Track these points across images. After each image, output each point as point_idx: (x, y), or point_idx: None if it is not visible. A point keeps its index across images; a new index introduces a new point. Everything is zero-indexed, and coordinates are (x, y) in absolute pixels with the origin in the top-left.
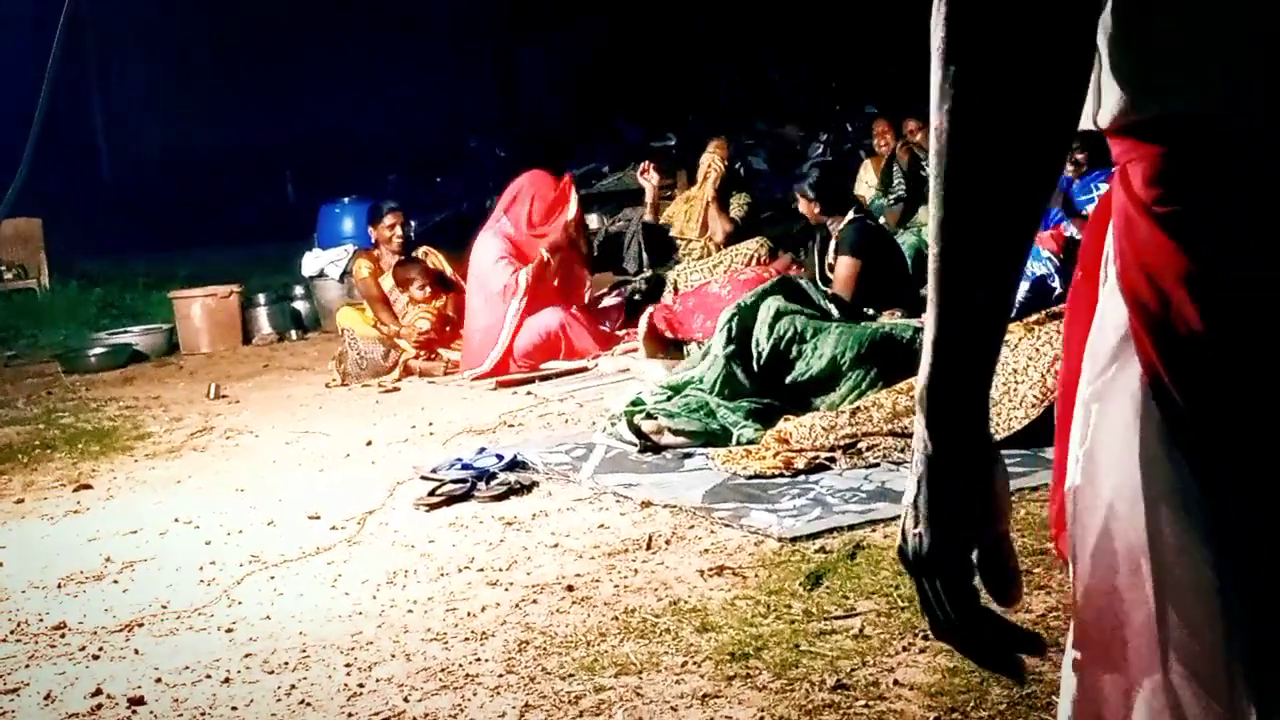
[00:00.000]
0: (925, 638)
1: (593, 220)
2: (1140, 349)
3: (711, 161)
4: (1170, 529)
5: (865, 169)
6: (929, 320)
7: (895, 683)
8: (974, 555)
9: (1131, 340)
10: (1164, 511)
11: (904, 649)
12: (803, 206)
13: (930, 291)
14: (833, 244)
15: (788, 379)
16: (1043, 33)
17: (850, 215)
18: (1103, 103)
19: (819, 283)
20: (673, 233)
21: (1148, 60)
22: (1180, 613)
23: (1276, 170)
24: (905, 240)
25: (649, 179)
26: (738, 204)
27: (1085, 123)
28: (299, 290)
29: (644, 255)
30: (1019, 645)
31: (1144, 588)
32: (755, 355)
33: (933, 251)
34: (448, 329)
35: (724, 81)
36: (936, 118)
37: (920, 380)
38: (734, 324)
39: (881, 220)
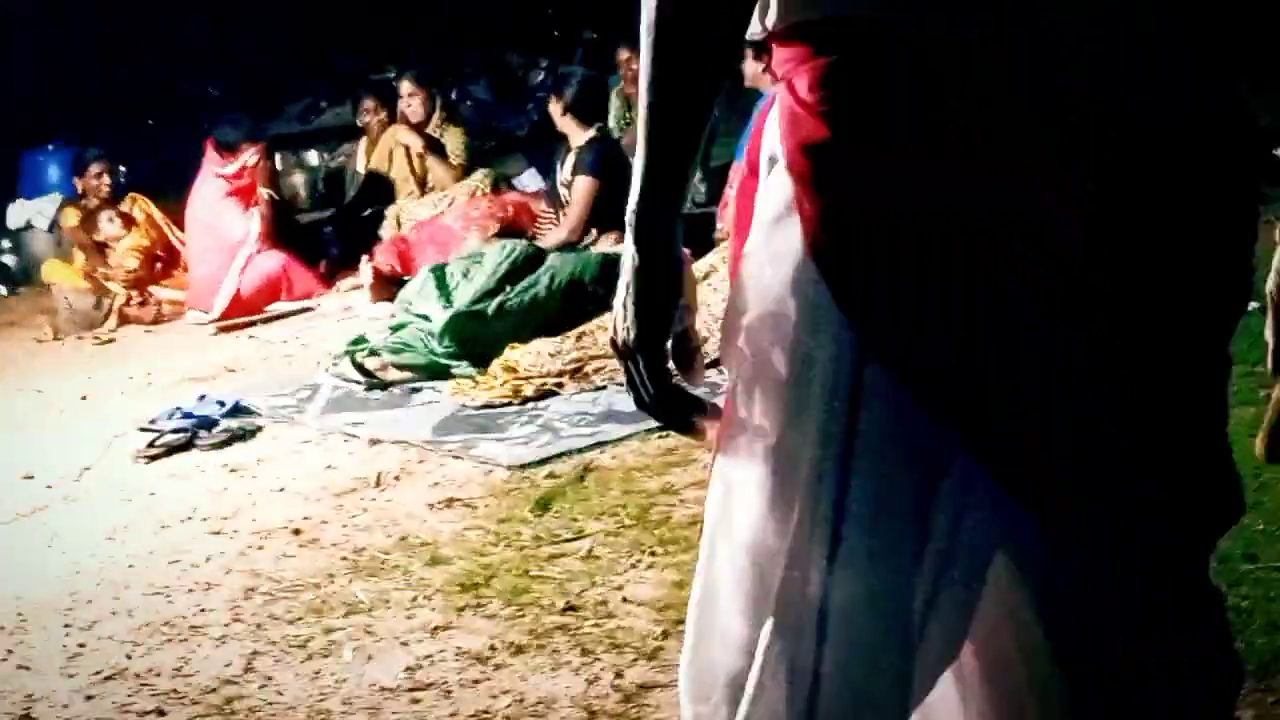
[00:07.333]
0: (653, 554)
1: (312, 157)
2: (802, 215)
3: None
4: (804, 373)
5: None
6: (638, 160)
7: (624, 600)
8: (668, 341)
9: (795, 208)
10: (802, 352)
11: (632, 566)
12: (553, 105)
13: (640, 139)
14: (570, 160)
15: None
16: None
17: (592, 133)
18: (769, 9)
19: (558, 197)
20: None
21: None
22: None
23: (920, 67)
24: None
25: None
26: (456, 143)
27: (754, 29)
28: (5, 244)
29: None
30: (696, 410)
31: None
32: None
33: (642, 108)
34: (158, 266)
35: (443, 10)
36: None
37: (630, 206)
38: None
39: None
